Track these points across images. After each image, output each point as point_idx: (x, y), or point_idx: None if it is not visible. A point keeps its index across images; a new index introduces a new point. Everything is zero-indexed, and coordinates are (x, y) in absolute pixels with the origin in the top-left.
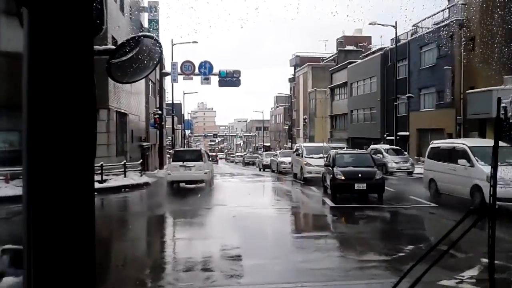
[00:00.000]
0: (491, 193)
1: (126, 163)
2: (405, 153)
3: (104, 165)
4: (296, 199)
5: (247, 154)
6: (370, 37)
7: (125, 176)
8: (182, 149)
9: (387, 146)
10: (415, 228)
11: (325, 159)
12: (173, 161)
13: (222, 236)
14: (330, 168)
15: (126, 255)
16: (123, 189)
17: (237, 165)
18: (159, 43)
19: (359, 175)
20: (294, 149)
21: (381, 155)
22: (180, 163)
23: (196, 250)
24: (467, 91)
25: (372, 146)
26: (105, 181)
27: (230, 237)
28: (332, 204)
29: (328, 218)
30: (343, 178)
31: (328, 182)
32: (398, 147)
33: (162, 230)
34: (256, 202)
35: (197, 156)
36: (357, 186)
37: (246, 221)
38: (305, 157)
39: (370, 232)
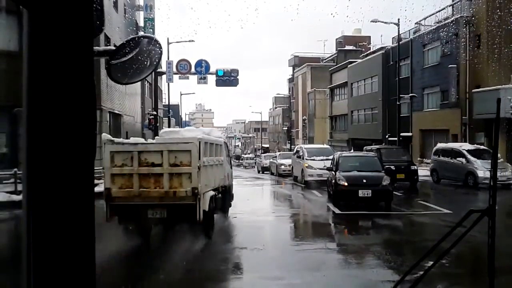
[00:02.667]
0: (491, 193)
1: None
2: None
3: (95, 168)
4: (297, 205)
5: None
6: (369, 36)
7: None
8: None
9: (470, 146)
10: (432, 240)
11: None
12: None
13: (216, 249)
14: (333, 173)
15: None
16: None
17: (246, 170)
18: (159, 44)
19: (364, 181)
20: (294, 151)
21: (463, 160)
22: None
23: (184, 270)
24: (473, 90)
25: (440, 145)
26: (95, 185)
27: (225, 248)
28: (337, 211)
29: (333, 227)
30: (345, 184)
31: (331, 188)
32: (486, 147)
33: (147, 242)
34: (255, 209)
35: None
36: (362, 193)
37: (244, 230)
38: (306, 159)
39: (384, 245)
